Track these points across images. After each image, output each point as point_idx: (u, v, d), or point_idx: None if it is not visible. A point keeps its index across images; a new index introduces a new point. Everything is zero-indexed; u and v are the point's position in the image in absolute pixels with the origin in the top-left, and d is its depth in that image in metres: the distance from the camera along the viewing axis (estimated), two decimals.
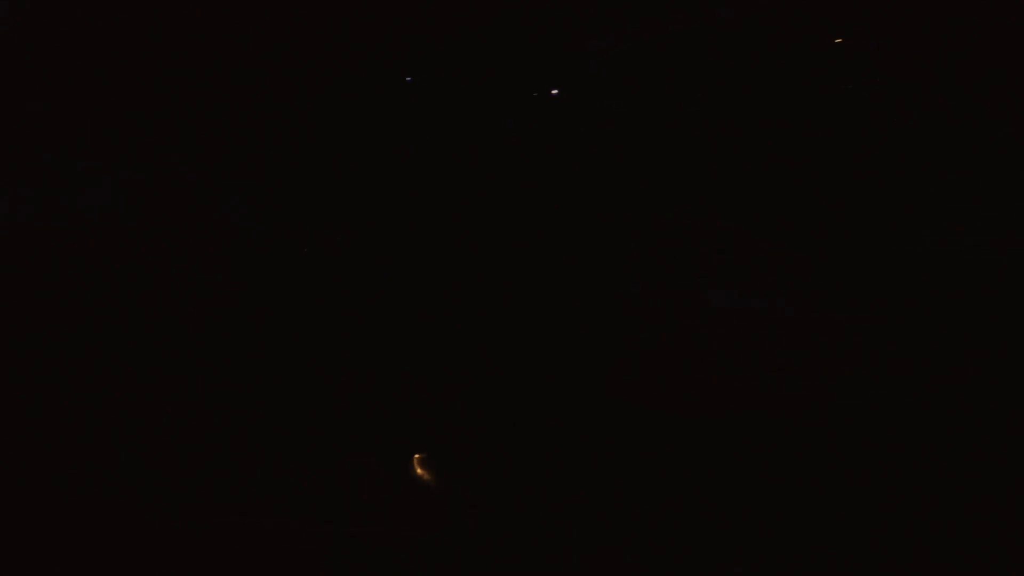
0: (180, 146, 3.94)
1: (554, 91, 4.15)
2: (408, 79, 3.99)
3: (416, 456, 3.50)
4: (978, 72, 3.91)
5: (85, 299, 3.70)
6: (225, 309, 3.71)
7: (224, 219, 3.84)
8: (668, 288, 3.99)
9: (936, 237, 3.84)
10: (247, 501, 3.40)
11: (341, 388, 3.62)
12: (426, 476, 3.48)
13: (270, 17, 4.09)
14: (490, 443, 3.59)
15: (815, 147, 4.03)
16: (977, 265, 3.75)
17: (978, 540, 3.32)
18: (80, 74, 3.97)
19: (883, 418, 3.61)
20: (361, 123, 4.10)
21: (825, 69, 4.05)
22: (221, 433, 3.52)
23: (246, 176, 3.91)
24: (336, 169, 3.99)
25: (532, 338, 3.88)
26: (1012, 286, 3.68)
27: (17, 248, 3.77)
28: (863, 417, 3.61)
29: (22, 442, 3.50)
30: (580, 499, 3.48)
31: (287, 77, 4.06)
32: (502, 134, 4.16)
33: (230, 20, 4.06)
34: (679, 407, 3.69)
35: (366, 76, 4.12)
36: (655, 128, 4.18)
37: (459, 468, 3.50)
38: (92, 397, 3.58)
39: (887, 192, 3.94)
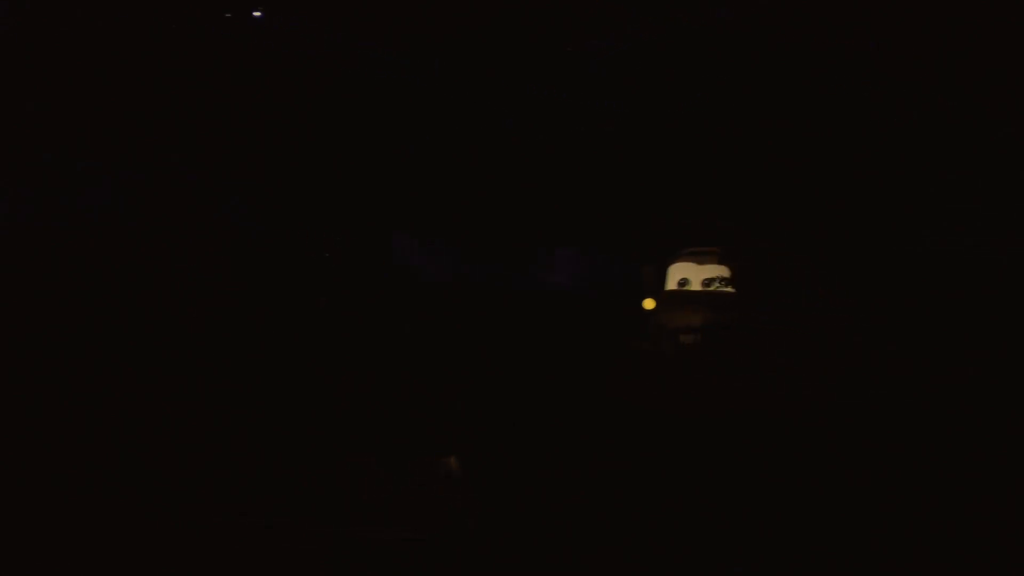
0: (180, 146, 3.94)
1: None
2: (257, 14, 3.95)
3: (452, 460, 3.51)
4: (978, 72, 3.90)
5: (85, 299, 3.70)
6: (225, 309, 3.70)
7: (224, 219, 3.84)
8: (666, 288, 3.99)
9: (936, 237, 3.84)
10: (247, 501, 3.40)
11: (341, 388, 3.62)
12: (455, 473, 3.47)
13: (270, 17, 4.09)
14: (490, 443, 3.59)
15: (815, 147, 4.03)
16: (977, 265, 3.75)
17: (978, 540, 3.31)
18: (80, 74, 3.97)
19: (883, 418, 3.60)
20: (361, 123, 4.10)
21: (825, 69, 4.04)
22: (221, 433, 3.51)
23: (246, 176, 3.91)
24: (336, 169, 4.00)
25: (532, 339, 3.88)
26: (1012, 286, 3.68)
27: (17, 248, 3.77)
28: (863, 417, 3.61)
29: (22, 442, 3.49)
30: (580, 499, 3.48)
31: (287, 77, 4.06)
32: (502, 134, 4.16)
33: (230, 20, 4.06)
34: (679, 407, 3.69)
35: (366, 76, 4.12)
36: (656, 128, 4.18)
37: (459, 468, 3.50)
38: (92, 397, 3.57)
39: (887, 192, 3.94)
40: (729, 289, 3.85)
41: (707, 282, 3.88)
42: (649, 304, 3.88)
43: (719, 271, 3.87)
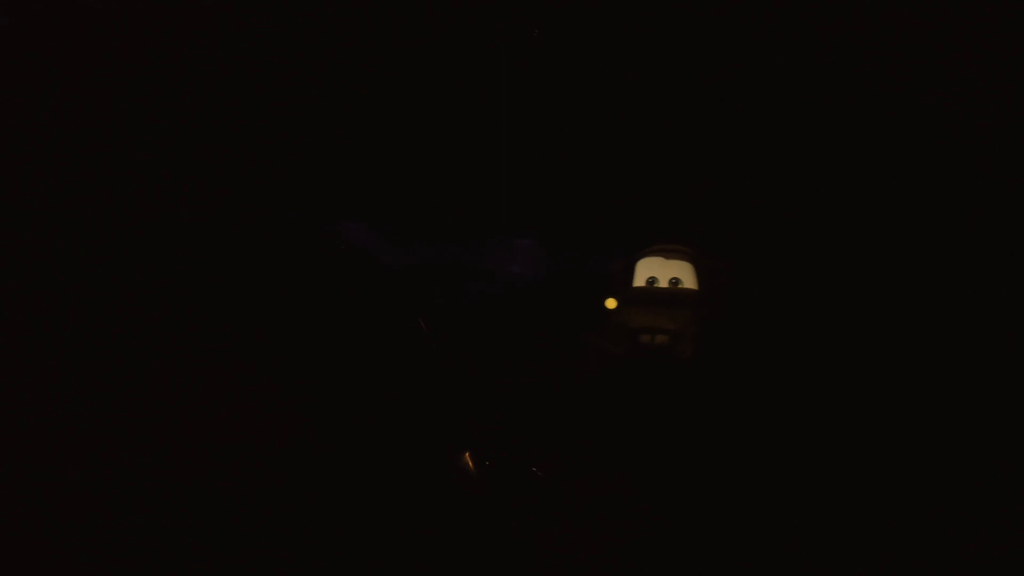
0: (179, 146, 3.94)
1: None
2: None
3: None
4: (976, 73, 3.91)
5: (85, 299, 3.69)
6: (224, 309, 3.70)
7: (225, 219, 3.84)
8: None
9: (936, 237, 3.85)
10: (247, 500, 3.40)
11: (342, 387, 3.62)
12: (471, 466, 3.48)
13: (270, 18, 4.09)
14: (490, 443, 3.60)
15: (796, 143, 4.03)
16: (977, 265, 3.76)
17: (978, 540, 3.33)
18: (80, 74, 3.97)
19: (882, 417, 3.62)
20: (361, 124, 4.10)
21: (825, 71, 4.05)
22: (221, 433, 3.51)
23: (247, 176, 3.91)
24: (336, 169, 4.00)
25: (531, 338, 3.89)
26: (1012, 286, 3.69)
27: (16, 247, 3.76)
28: (863, 416, 3.62)
29: (21, 442, 3.49)
30: (580, 498, 3.49)
31: (287, 77, 4.06)
32: (501, 133, 4.16)
33: (231, 21, 4.06)
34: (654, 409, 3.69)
35: (365, 78, 4.12)
36: (630, 117, 4.16)
37: (460, 468, 3.52)
38: (91, 398, 3.57)
39: (886, 192, 3.96)
40: (694, 287, 3.83)
41: (674, 280, 3.86)
42: (611, 304, 3.86)
43: (687, 269, 3.85)
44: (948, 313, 3.75)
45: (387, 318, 3.77)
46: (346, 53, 4.12)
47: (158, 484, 3.38)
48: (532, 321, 3.99)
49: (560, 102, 4.21)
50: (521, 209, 4.21)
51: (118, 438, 3.47)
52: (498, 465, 3.52)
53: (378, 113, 4.16)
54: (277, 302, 3.70)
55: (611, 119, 4.23)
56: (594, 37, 4.18)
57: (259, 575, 3.28)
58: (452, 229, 4.16)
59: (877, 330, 3.77)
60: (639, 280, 3.90)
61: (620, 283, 3.96)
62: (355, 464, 3.47)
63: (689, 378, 3.69)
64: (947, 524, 3.38)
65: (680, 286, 3.87)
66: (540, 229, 4.25)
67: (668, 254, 3.91)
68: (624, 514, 3.43)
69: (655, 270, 3.91)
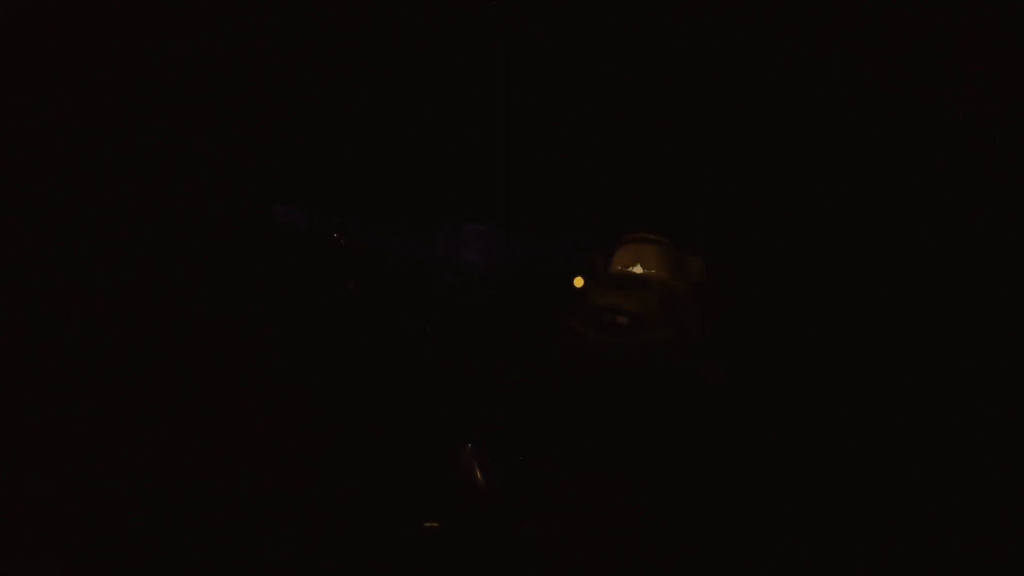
0: (180, 146, 3.93)
1: None
2: None
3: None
4: (978, 72, 3.91)
5: (85, 299, 3.70)
6: (225, 308, 3.71)
7: (223, 219, 3.84)
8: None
9: (935, 236, 3.85)
10: (246, 499, 3.40)
11: (343, 387, 3.63)
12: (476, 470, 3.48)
13: (271, 18, 4.08)
14: (491, 442, 3.60)
15: (784, 135, 4.01)
16: (977, 265, 3.76)
17: (978, 540, 3.33)
18: (80, 74, 3.97)
19: (882, 417, 3.62)
20: (361, 124, 4.10)
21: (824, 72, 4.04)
22: (221, 433, 3.52)
23: (247, 176, 3.91)
24: (338, 169, 3.99)
25: (532, 337, 3.89)
26: (1012, 286, 3.69)
27: (16, 247, 3.77)
28: (863, 416, 3.62)
29: (21, 443, 3.50)
30: (582, 498, 3.49)
31: (287, 77, 4.06)
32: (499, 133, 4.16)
33: (231, 20, 4.05)
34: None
35: (364, 77, 4.11)
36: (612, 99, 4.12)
37: (462, 467, 3.52)
38: (92, 398, 3.58)
39: (885, 192, 3.95)
40: (667, 276, 3.82)
41: (649, 267, 3.88)
42: (579, 282, 3.88)
43: (663, 259, 3.86)
44: (947, 313, 3.74)
45: (391, 317, 3.77)
46: (285, 41, 4.07)
47: (158, 484, 3.38)
48: (512, 314, 3.96)
49: (515, 82, 4.15)
50: (473, 194, 4.11)
51: (118, 438, 3.48)
52: (500, 464, 3.53)
53: (311, 94, 4.09)
54: (278, 300, 3.71)
55: (567, 100, 4.16)
56: (553, 11, 4.12)
57: (259, 575, 3.28)
58: (399, 217, 4.07)
59: (872, 329, 3.77)
60: (616, 266, 3.93)
61: (600, 270, 3.98)
62: (355, 464, 3.47)
63: (658, 367, 3.68)
64: (947, 524, 3.37)
65: (653, 272, 3.89)
66: (496, 215, 4.14)
67: (646, 243, 3.93)
68: (623, 514, 3.43)
69: (633, 257, 3.93)
